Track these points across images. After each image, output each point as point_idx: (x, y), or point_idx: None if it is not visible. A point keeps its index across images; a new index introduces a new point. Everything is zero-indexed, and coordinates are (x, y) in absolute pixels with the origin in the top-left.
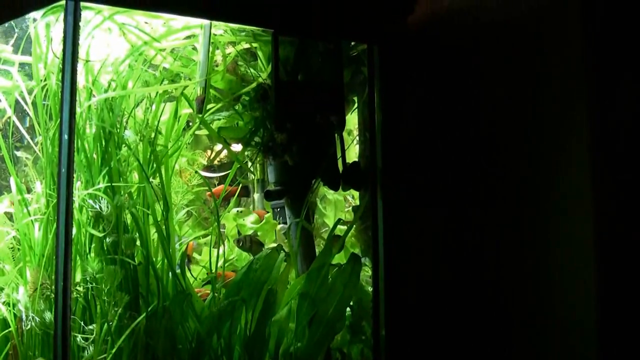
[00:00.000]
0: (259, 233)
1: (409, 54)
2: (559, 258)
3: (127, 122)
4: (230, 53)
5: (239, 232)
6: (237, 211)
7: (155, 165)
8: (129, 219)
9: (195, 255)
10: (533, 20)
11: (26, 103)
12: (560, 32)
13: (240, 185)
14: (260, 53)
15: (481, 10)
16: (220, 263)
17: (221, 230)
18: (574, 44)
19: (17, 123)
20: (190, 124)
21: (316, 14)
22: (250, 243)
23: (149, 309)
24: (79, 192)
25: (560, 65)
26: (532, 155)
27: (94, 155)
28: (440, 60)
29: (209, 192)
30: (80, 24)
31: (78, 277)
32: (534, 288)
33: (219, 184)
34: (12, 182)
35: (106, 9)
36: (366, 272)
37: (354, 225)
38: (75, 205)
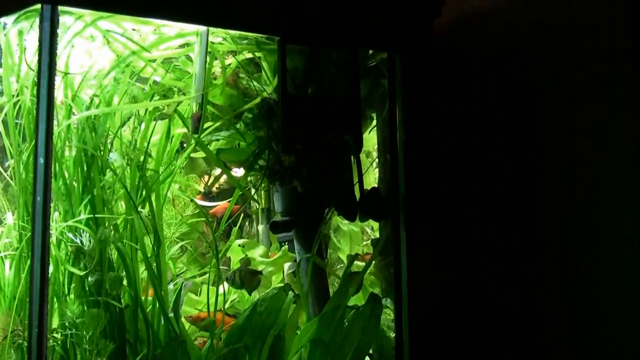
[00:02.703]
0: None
1: (435, 63)
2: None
3: (112, 144)
4: (230, 64)
5: None
6: (239, 245)
7: (144, 192)
8: (114, 254)
9: (192, 295)
10: (566, 22)
11: None
12: (597, 34)
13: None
14: (264, 64)
15: (514, 11)
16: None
17: (223, 267)
18: (611, 47)
19: None
20: (185, 145)
21: (328, 18)
22: (240, 277)
23: (138, 359)
24: (57, 224)
25: (601, 70)
26: (578, 170)
27: (74, 182)
28: (471, 69)
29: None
30: (59, 31)
31: (55, 322)
32: (580, 328)
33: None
34: None
35: (88, 14)
36: (388, 315)
37: (374, 261)
38: (53, 239)
